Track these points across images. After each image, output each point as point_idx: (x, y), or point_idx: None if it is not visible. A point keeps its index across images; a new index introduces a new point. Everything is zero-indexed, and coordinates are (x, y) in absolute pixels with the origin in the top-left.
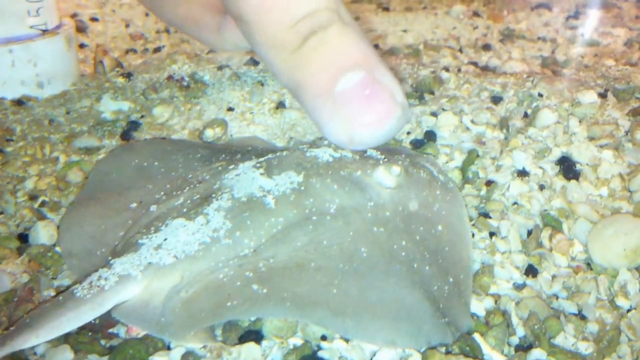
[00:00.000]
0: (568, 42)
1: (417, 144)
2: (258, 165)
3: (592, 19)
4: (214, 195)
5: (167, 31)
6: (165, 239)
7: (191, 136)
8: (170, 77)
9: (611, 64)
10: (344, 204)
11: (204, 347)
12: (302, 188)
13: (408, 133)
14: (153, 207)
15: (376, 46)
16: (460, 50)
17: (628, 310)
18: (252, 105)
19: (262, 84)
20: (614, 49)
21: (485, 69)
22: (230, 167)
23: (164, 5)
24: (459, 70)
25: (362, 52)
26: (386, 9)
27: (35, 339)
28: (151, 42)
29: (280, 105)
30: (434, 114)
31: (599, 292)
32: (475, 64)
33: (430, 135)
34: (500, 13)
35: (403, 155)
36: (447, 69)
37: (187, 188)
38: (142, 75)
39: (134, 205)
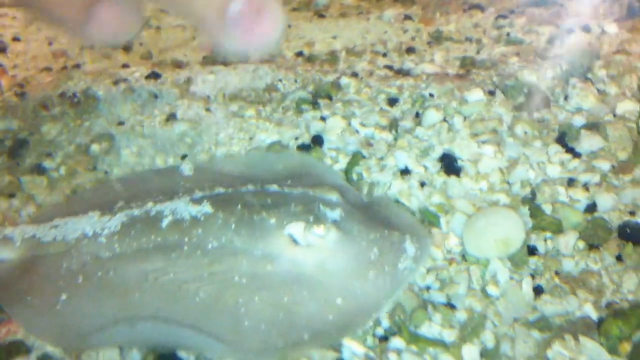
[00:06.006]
0: (493, 42)
1: (304, 149)
2: (197, 198)
3: (522, 18)
4: (134, 205)
5: (91, 47)
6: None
7: (77, 151)
8: (62, 94)
9: (514, 61)
10: (227, 245)
11: (64, 351)
12: (202, 219)
13: (296, 138)
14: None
15: (300, 53)
16: (385, 55)
17: (497, 298)
18: (142, 118)
19: (156, 97)
20: (535, 47)
21: (400, 72)
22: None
23: None
24: (371, 74)
25: None
26: (322, 16)
27: None
28: (72, 59)
29: (171, 117)
30: (323, 118)
31: (472, 282)
32: (390, 67)
33: (317, 140)
34: (432, 16)
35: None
36: (355, 74)
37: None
38: (36, 93)
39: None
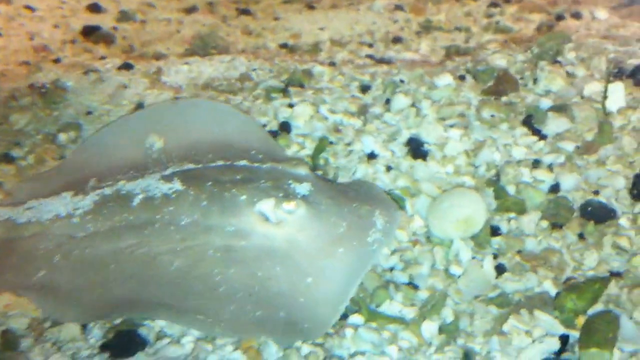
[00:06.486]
0: (482, 31)
1: (271, 135)
2: (167, 175)
3: (515, 6)
4: (105, 185)
5: (73, 42)
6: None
7: (45, 140)
8: (31, 85)
9: (491, 47)
10: (199, 221)
11: (28, 328)
12: (173, 196)
13: (264, 125)
14: None
15: (285, 45)
16: (371, 45)
17: (459, 277)
18: (110, 108)
19: (126, 87)
20: (524, 34)
21: (381, 61)
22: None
23: None
24: (349, 63)
25: None
26: (312, 8)
27: None
28: (54, 53)
29: (140, 106)
30: (291, 105)
31: (435, 262)
32: (371, 57)
33: (285, 126)
34: (424, 5)
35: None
36: (332, 64)
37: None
38: (8, 84)
39: None
